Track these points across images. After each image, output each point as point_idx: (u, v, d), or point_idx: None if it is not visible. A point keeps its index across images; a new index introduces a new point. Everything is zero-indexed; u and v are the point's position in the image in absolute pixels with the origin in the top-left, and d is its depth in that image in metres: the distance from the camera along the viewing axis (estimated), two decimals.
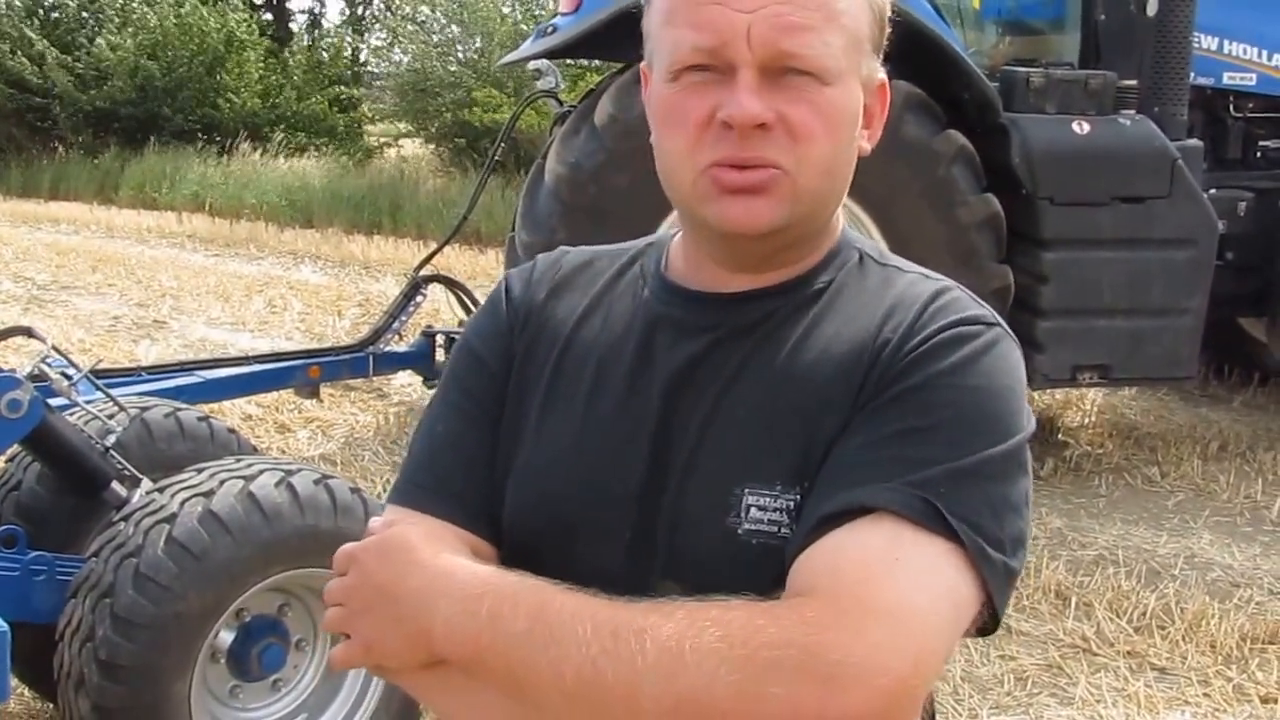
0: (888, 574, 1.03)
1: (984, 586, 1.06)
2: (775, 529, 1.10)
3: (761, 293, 1.20)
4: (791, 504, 1.10)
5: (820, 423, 1.12)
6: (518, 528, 1.22)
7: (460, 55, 16.56)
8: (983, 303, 1.19)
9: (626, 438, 1.19)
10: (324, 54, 22.24)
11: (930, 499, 1.05)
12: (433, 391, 5.73)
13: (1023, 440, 1.12)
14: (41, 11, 20.92)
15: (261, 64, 19.80)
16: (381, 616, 1.11)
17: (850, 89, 1.15)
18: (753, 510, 1.11)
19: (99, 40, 19.19)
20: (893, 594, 1.01)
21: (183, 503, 2.72)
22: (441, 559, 1.13)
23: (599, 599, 1.05)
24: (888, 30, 1.21)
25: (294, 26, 26.58)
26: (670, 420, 1.18)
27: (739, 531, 1.11)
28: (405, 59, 17.94)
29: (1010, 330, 1.18)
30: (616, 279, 1.29)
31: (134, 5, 19.64)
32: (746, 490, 1.12)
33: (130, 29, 19.14)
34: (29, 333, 3.53)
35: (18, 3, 21.07)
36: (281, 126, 18.73)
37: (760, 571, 1.09)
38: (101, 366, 4.81)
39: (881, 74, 1.21)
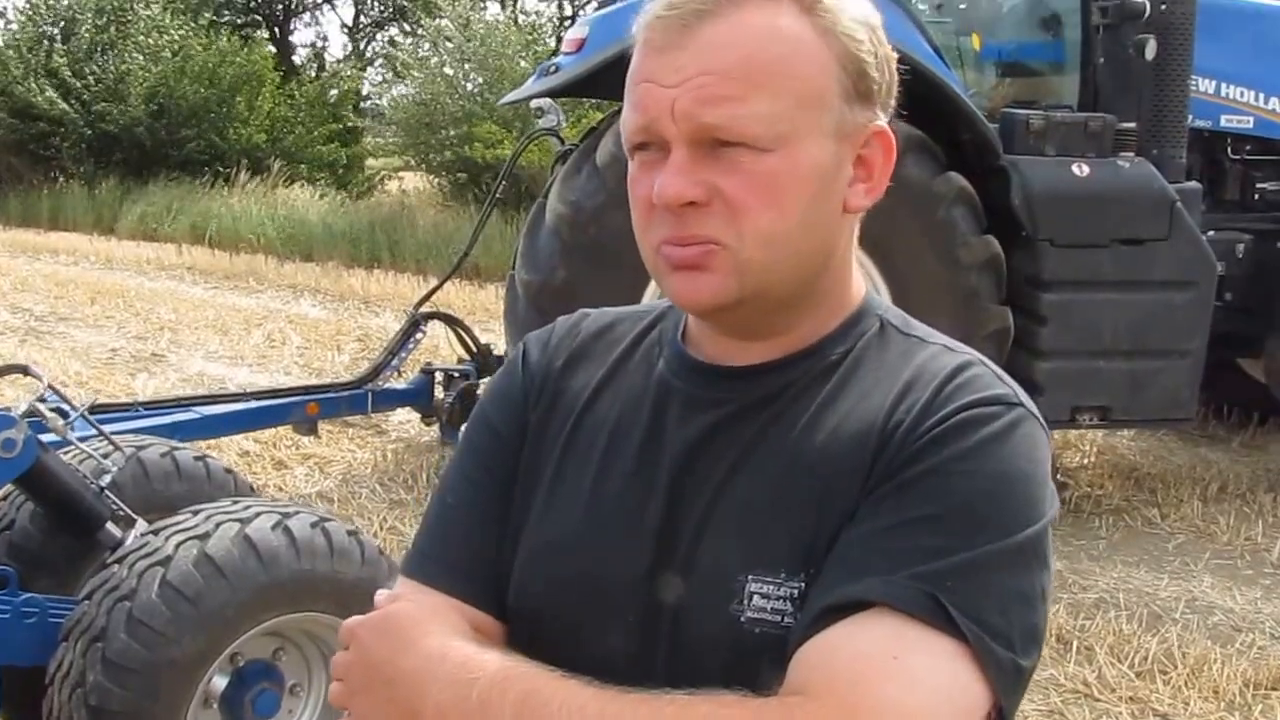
0: (884, 674, 0.98)
1: (991, 686, 1.01)
2: (779, 618, 1.07)
3: (774, 365, 1.17)
4: (795, 592, 1.07)
5: (828, 508, 1.09)
6: (523, 607, 1.21)
7: (468, 88, 16.63)
8: (1007, 378, 1.15)
9: (632, 519, 1.16)
10: (333, 92, 22.38)
11: (935, 593, 1.01)
12: (432, 428, 5.67)
13: (1041, 530, 1.08)
14: (55, 39, 21.07)
15: (271, 99, 19.96)
16: (376, 696, 1.11)
17: (801, 151, 1.10)
18: (756, 598, 1.08)
19: (115, 68, 19.33)
20: (887, 695, 0.97)
21: (178, 546, 2.70)
22: (437, 640, 1.12)
23: (589, 689, 1.03)
24: (887, 75, 1.16)
25: (296, 59, 26.80)
26: (677, 502, 1.15)
27: (741, 620, 1.08)
28: (411, 92, 18.01)
29: (1035, 411, 1.13)
30: (634, 347, 1.27)
31: (156, 33, 19.79)
32: (750, 577, 1.09)
33: (152, 54, 19.29)
34: (25, 371, 3.51)
35: (17, 21, 21.26)
36: (283, 160, 18.82)
37: (763, 660, 1.06)
38: (98, 402, 4.79)
39: (878, 122, 1.15)
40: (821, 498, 1.10)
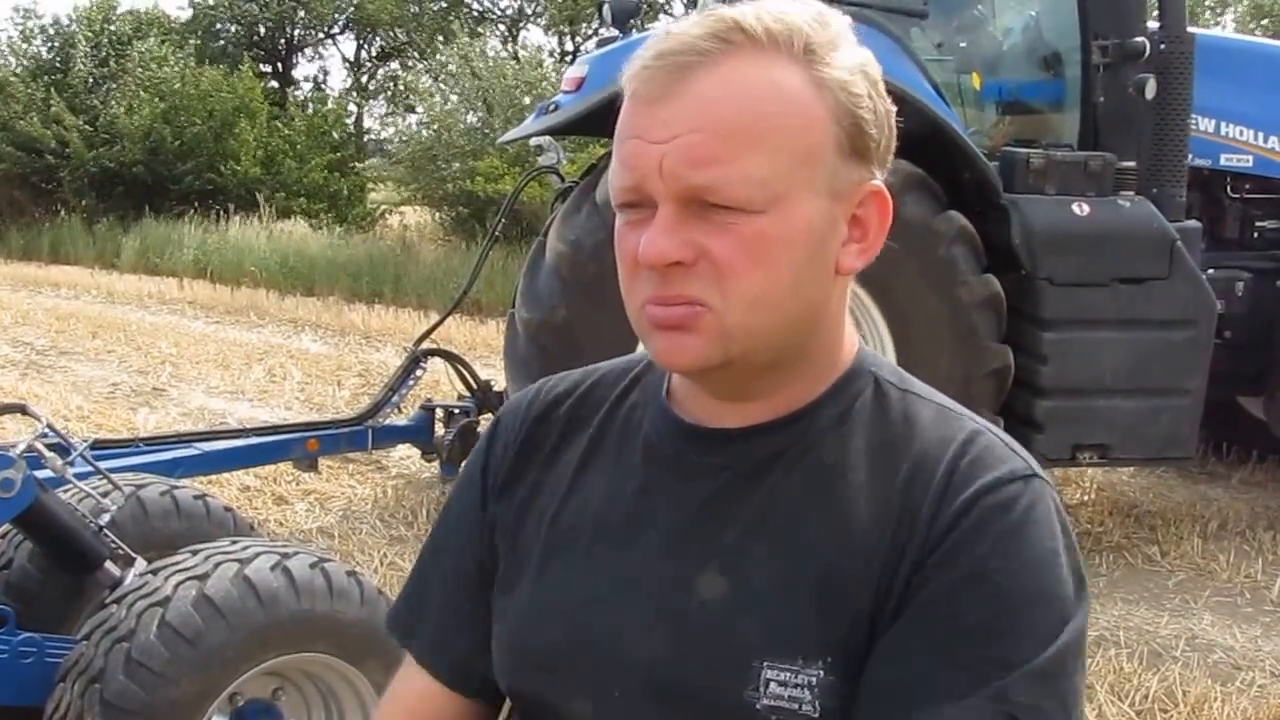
0: None
1: None
2: (796, 705, 1.04)
3: (766, 428, 1.13)
4: (814, 679, 1.04)
5: (845, 594, 1.05)
6: (515, 688, 1.20)
7: (471, 120, 16.74)
8: (1011, 442, 1.12)
9: (632, 596, 1.13)
10: (325, 120, 22.52)
11: (1013, 714, 1.00)
12: (432, 465, 5.65)
13: (1085, 602, 1.06)
14: (54, 74, 21.22)
15: (265, 131, 20.06)
16: None
17: (793, 210, 1.04)
18: (772, 685, 1.04)
19: (113, 104, 19.45)
20: None
21: (177, 586, 2.68)
22: None
23: None
24: (885, 132, 1.10)
25: (298, 94, 26.97)
26: (675, 578, 1.11)
27: (757, 706, 1.04)
28: (413, 125, 18.15)
29: (1042, 472, 1.10)
30: (614, 409, 1.24)
31: (151, 68, 19.92)
32: (766, 664, 1.05)
33: (146, 93, 19.41)
34: (23, 410, 3.51)
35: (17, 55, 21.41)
36: (282, 194, 18.90)
37: None
38: (99, 437, 4.79)
39: (875, 181, 1.10)
40: (832, 579, 1.06)
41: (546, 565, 1.19)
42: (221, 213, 17.73)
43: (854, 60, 1.09)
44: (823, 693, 1.03)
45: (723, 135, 1.02)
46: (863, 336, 1.23)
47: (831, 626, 1.05)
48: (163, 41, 21.11)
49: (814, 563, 1.07)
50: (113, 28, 21.75)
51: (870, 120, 1.08)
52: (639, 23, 5.95)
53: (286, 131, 20.85)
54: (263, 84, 22.94)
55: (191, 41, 22.01)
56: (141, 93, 19.41)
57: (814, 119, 1.05)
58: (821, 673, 1.04)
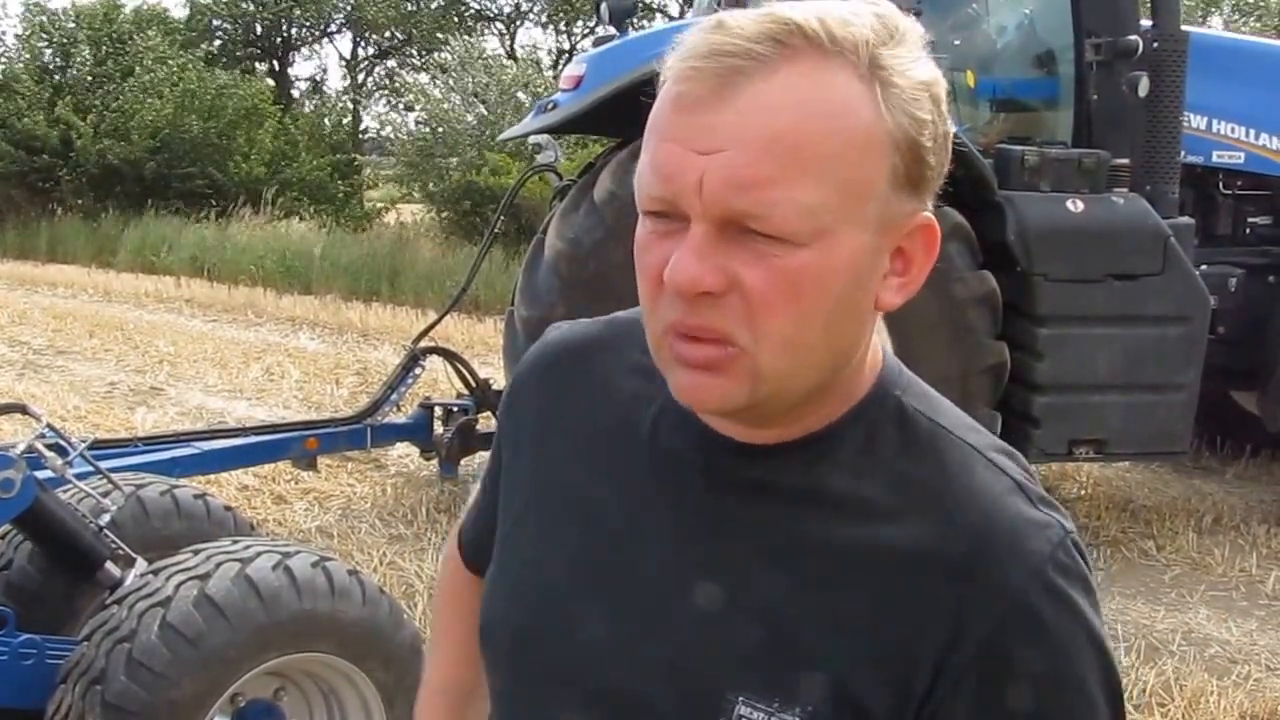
0: None
1: None
2: None
3: (779, 449, 1.04)
4: None
5: (853, 659, 0.97)
6: (485, 649, 1.17)
7: (469, 120, 16.73)
8: (1038, 495, 1.03)
9: (608, 582, 1.07)
10: (326, 121, 22.52)
11: None
12: (431, 463, 5.65)
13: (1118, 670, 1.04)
14: (56, 73, 21.22)
15: (272, 133, 20.09)
16: None
17: (840, 245, 0.94)
18: None
19: (124, 98, 19.47)
20: None
21: (178, 586, 2.69)
22: None
23: None
24: (943, 158, 0.99)
25: (295, 93, 26.96)
26: (665, 584, 1.04)
27: None
28: (411, 124, 18.13)
29: (1069, 521, 1.03)
30: (624, 382, 1.15)
31: (165, 66, 19.92)
32: (741, 699, 0.97)
33: (155, 90, 19.41)
34: (24, 410, 3.52)
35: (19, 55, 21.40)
36: (285, 194, 18.90)
37: None
38: (97, 437, 4.79)
39: (925, 213, 0.99)
40: (837, 625, 0.98)
41: (525, 540, 1.16)
42: (220, 212, 17.71)
43: (923, 76, 0.97)
44: None
45: (774, 155, 0.91)
46: None
47: (818, 672, 0.97)
48: (169, 41, 21.10)
49: (818, 606, 0.99)
50: (114, 27, 21.72)
51: (931, 148, 0.97)
52: (634, 21, 5.97)
53: (291, 129, 20.87)
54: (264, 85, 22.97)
55: (203, 46, 22.02)
56: (162, 90, 19.39)
57: (873, 145, 0.94)
58: (796, 719, 0.96)
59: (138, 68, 20.11)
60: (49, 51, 21.65)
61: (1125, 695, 3.93)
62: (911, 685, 0.95)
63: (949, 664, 0.95)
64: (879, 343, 1.08)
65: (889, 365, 1.08)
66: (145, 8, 23.49)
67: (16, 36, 22.23)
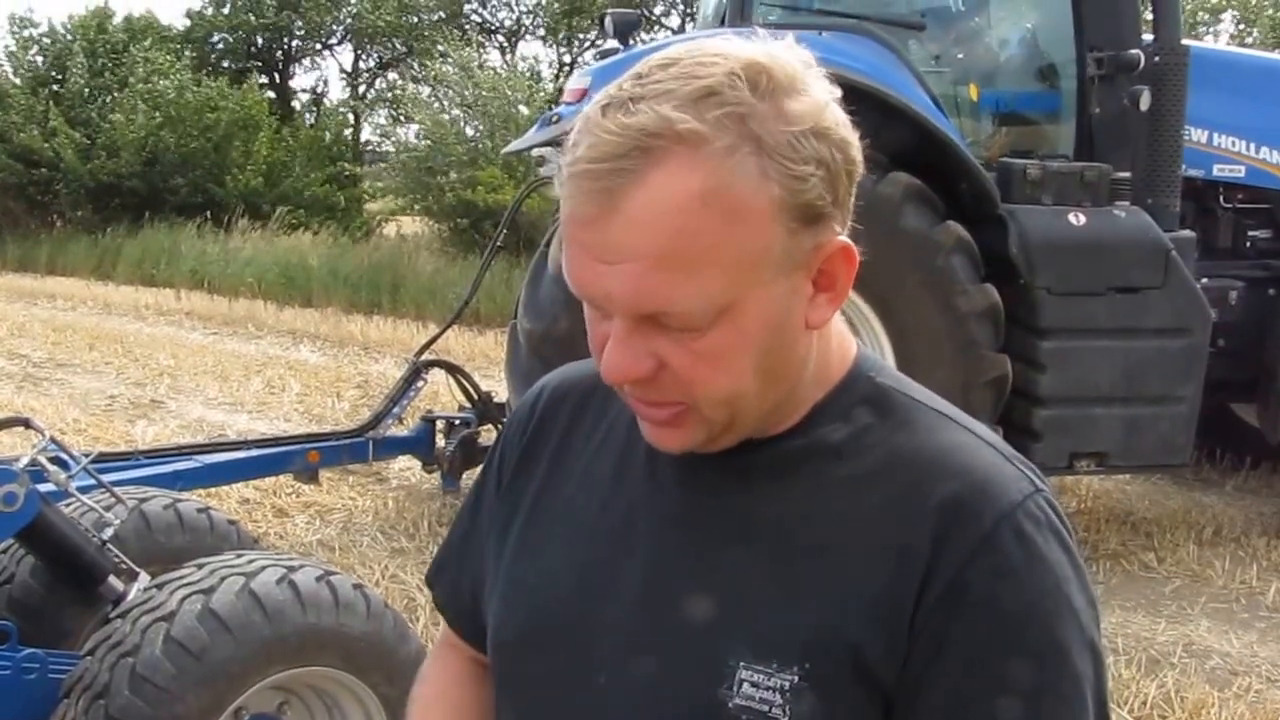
0: None
1: None
2: (766, 708, 1.02)
3: (765, 440, 1.11)
4: (786, 684, 1.02)
5: (834, 598, 1.04)
6: (499, 650, 1.22)
7: (470, 133, 16.76)
8: (1013, 454, 1.09)
9: (612, 575, 1.14)
10: (327, 133, 22.52)
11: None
12: (433, 476, 5.64)
13: (1096, 611, 1.06)
14: (51, 85, 21.23)
15: (269, 144, 20.06)
16: None
17: (748, 311, 0.99)
18: (745, 686, 1.03)
19: (113, 116, 19.45)
20: None
21: (182, 600, 2.69)
22: None
23: None
24: (844, 181, 1.01)
25: (296, 105, 26.98)
26: (665, 564, 1.11)
27: (729, 705, 1.04)
28: (411, 137, 18.16)
29: (1042, 480, 1.08)
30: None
31: (152, 80, 19.92)
32: (743, 664, 1.04)
33: (145, 103, 19.40)
34: (27, 424, 3.51)
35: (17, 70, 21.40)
36: (282, 204, 18.90)
37: None
38: (100, 451, 4.79)
39: (838, 238, 1.03)
40: (827, 585, 1.04)
41: (532, 546, 1.21)
42: (218, 225, 17.69)
43: (800, 112, 0.98)
44: (794, 697, 1.02)
45: (666, 263, 0.96)
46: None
47: (814, 633, 1.03)
48: (161, 49, 21.09)
49: (807, 569, 1.06)
50: (107, 36, 21.73)
51: (822, 180, 0.98)
52: (638, 35, 5.98)
53: (290, 143, 20.87)
54: (262, 93, 22.93)
55: (188, 54, 21.99)
56: (140, 103, 19.39)
57: (758, 217, 0.97)
58: (796, 678, 1.02)
59: (131, 78, 20.10)
60: (42, 62, 21.67)
61: (1127, 708, 3.91)
62: (897, 629, 1.02)
63: (924, 603, 1.01)
64: (844, 331, 1.14)
65: (861, 351, 1.15)
66: (138, 17, 23.52)
67: (8, 51, 22.30)
